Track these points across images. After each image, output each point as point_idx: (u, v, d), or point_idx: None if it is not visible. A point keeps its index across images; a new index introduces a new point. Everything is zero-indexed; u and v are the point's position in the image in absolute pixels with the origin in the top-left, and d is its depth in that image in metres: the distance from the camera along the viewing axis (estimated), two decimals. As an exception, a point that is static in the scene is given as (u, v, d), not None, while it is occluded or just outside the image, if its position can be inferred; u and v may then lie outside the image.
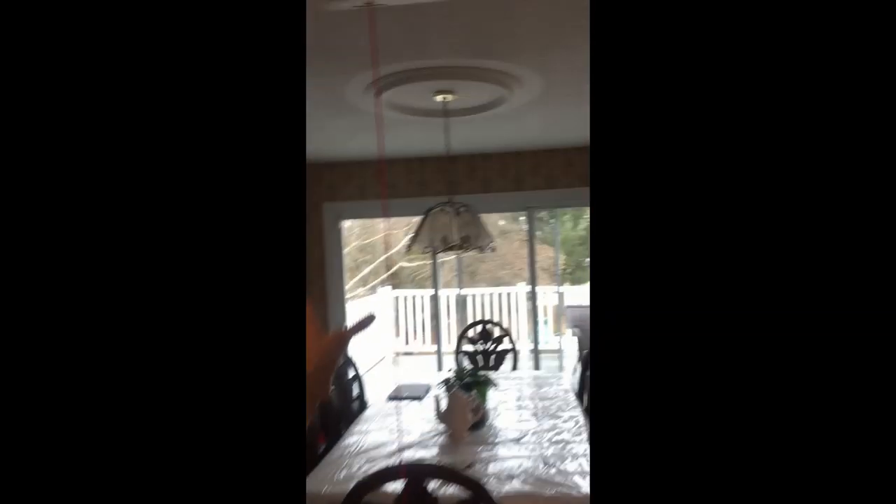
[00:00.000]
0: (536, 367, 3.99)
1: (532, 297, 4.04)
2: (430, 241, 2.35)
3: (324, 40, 1.86)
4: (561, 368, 4.84)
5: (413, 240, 2.46)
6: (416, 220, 2.46)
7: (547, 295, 6.06)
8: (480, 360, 3.30)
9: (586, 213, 9.07)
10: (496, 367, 3.28)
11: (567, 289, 6.19)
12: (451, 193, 2.56)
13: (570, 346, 5.16)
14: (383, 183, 3.77)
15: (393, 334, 6.52)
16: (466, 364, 3.28)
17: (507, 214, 7.51)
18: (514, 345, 3.34)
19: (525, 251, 7.87)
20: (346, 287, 4.17)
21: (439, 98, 2.43)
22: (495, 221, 7.59)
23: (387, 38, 1.87)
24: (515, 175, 3.81)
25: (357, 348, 4.33)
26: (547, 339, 5.93)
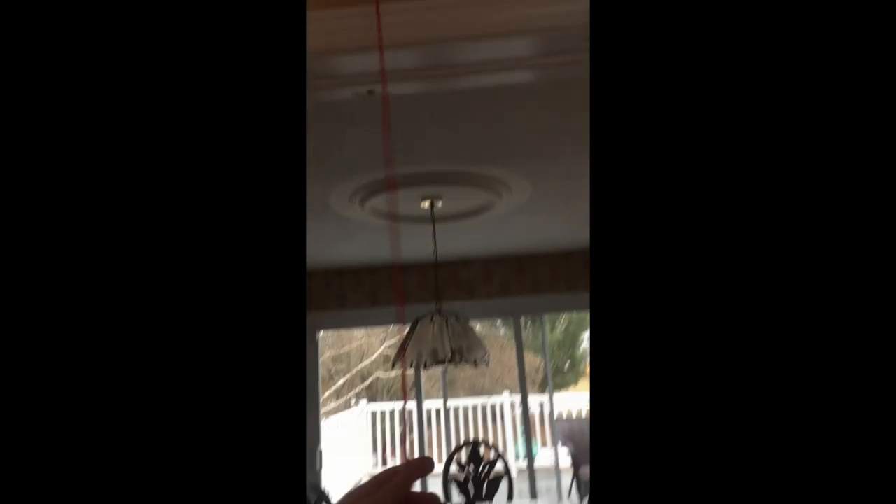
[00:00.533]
0: (533, 492, 3.58)
1: (524, 414, 3.74)
2: (419, 355, 2.14)
3: (308, 146, 1.79)
4: (560, 497, 4.40)
5: (399, 353, 2.25)
6: (396, 328, 2.27)
7: (532, 403, 5.72)
8: (471, 489, 2.93)
9: (563, 317, 8.98)
10: (490, 497, 2.90)
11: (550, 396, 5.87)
12: (433, 300, 2.41)
13: (562, 459, 4.74)
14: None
15: (369, 453, 5.95)
16: (455, 493, 2.90)
17: (485, 320, 7.34)
18: (507, 467, 3.00)
19: (505, 357, 7.56)
20: (321, 400, 3.81)
21: (426, 204, 2.37)
22: (473, 328, 7.39)
23: (374, 145, 1.83)
24: (501, 281, 3.72)
25: (328, 473, 3.86)
26: (535, 450, 5.49)
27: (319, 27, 0.75)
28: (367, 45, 0.75)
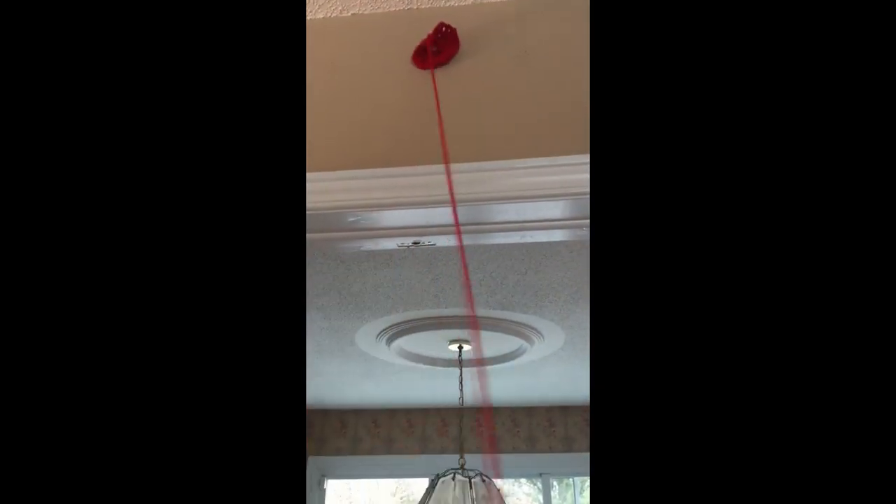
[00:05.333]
0: None
1: None
2: (437, 522, 1.89)
3: (345, 284, 1.79)
4: None
5: (415, 517, 1.99)
6: (412, 482, 2.04)
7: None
8: None
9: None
10: None
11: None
12: (455, 452, 2.19)
13: None
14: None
15: None
16: None
17: (510, 479, 6.68)
18: None
19: (531, 523, 6.71)
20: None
21: (454, 347, 2.29)
22: (500, 490, 6.68)
23: (408, 285, 1.82)
24: (528, 434, 3.43)
25: None
26: None
27: (373, 183, 0.79)
28: (414, 202, 0.78)
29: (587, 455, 3.33)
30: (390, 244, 0.87)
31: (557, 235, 0.91)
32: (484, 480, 1.99)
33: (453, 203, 0.55)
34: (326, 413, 3.52)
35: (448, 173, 0.70)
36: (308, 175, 0.82)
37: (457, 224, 0.67)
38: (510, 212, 0.82)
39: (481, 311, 2.04)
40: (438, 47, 0.85)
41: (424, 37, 0.86)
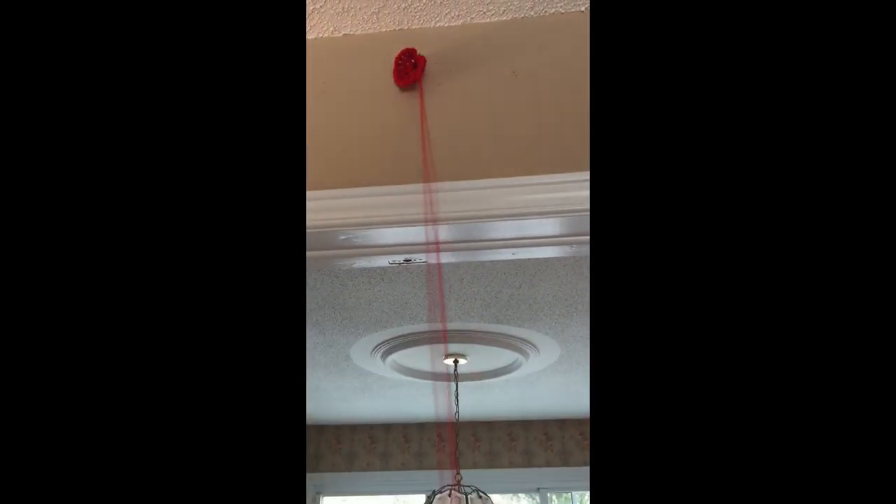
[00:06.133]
0: None
1: None
2: (433, 540, 1.86)
3: (339, 300, 1.79)
4: None
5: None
6: (409, 499, 2.02)
7: None
8: None
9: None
10: None
11: None
12: (451, 467, 2.17)
13: None
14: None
15: None
16: None
17: (508, 494, 6.60)
18: None
19: (529, 539, 6.59)
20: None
21: (449, 361, 2.28)
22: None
23: (402, 300, 1.81)
24: (525, 448, 3.41)
25: None
26: None
27: (365, 202, 0.79)
28: (405, 220, 0.78)
29: (585, 469, 3.31)
30: (382, 261, 0.87)
31: (550, 252, 0.92)
32: (480, 496, 1.97)
33: (434, 221, 0.56)
34: (322, 429, 3.48)
35: (428, 191, 0.70)
36: (300, 193, 0.82)
37: (437, 242, 0.68)
38: (503, 229, 0.83)
39: (476, 326, 2.04)
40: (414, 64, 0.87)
41: (412, 57, 0.88)
